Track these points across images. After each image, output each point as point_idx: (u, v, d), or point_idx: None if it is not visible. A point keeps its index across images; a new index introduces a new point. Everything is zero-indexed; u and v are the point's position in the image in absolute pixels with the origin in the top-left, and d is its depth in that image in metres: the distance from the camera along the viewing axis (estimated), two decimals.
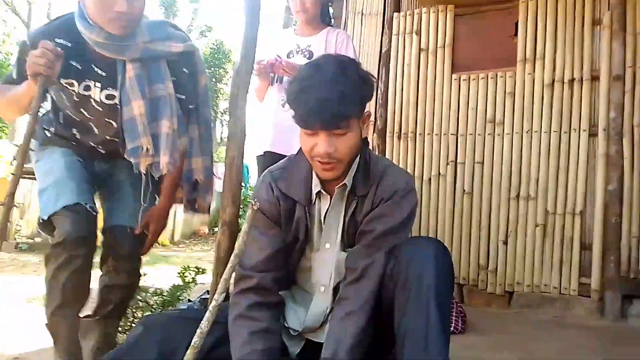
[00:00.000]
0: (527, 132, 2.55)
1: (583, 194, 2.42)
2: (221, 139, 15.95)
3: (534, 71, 2.56)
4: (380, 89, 2.93)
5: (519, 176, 2.55)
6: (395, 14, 2.96)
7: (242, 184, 1.90)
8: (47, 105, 1.55)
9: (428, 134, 2.79)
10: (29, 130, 1.30)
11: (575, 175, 2.44)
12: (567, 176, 2.46)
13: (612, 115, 2.35)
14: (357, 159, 1.16)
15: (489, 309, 2.54)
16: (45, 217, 1.39)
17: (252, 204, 1.01)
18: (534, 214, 2.50)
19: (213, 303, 0.94)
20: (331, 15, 2.40)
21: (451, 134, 2.73)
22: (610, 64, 2.38)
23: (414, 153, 2.82)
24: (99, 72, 1.43)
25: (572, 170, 2.45)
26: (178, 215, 10.47)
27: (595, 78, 2.44)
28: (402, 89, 2.87)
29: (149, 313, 1.86)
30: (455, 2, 2.78)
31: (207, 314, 0.93)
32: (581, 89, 2.46)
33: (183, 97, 1.55)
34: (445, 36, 2.79)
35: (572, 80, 2.48)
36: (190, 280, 2.08)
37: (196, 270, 2.12)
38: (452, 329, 1.88)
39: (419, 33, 2.87)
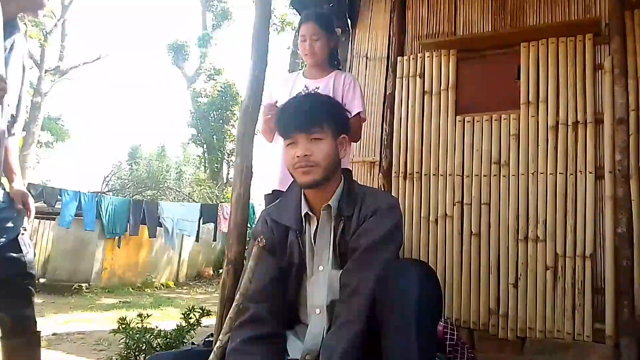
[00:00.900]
0: (532, 173, 2.55)
1: (592, 236, 2.39)
2: (227, 179, 16.06)
3: (538, 114, 2.59)
4: (385, 130, 2.97)
5: (527, 218, 2.53)
6: (399, 58, 3.04)
7: (248, 224, 1.90)
8: None
9: (434, 174, 2.80)
10: None
11: (583, 218, 2.42)
12: (575, 218, 2.44)
13: (618, 157, 2.36)
14: (342, 184, 1.31)
15: (501, 355, 2.46)
16: None
17: (257, 241, 1.02)
18: (543, 256, 2.46)
19: (217, 344, 0.93)
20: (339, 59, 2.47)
21: (457, 175, 2.73)
22: (614, 108, 2.41)
23: (419, 193, 2.82)
24: None
25: (579, 213, 2.43)
26: (183, 254, 10.43)
27: (599, 121, 2.46)
28: (407, 130, 2.91)
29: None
30: (458, 47, 2.86)
31: (212, 356, 0.91)
32: (585, 132, 2.48)
33: None
34: (448, 79, 2.85)
35: (575, 123, 2.50)
36: (195, 322, 2.04)
37: (200, 311, 2.09)
38: None
39: (422, 76, 2.93)
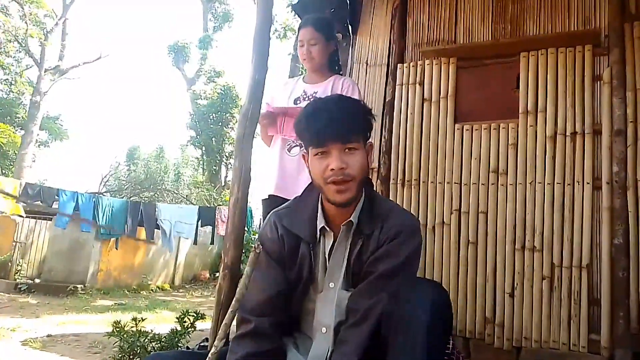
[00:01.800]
0: (530, 183, 2.56)
1: (589, 247, 2.39)
2: (225, 182, 16.05)
3: (536, 123, 2.59)
4: (384, 137, 2.97)
5: (524, 227, 2.53)
6: (399, 65, 3.04)
7: (246, 228, 1.89)
8: None
9: (432, 182, 2.80)
10: None
11: (580, 228, 2.42)
12: (572, 229, 2.44)
13: (615, 169, 2.36)
14: (362, 197, 1.19)
15: None
16: None
17: (254, 247, 1.01)
18: (539, 266, 2.46)
19: (212, 350, 0.92)
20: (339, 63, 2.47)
21: (455, 183, 2.73)
22: (612, 119, 2.41)
23: (417, 200, 2.82)
24: None
25: (577, 223, 2.43)
26: (180, 257, 10.40)
27: (597, 132, 2.46)
28: (406, 137, 2.91)
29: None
30: (458, 55, 2.87)
31: None
32: (583, 142, 2.49)
33: None
34: (448, 87, 2.86)
35: (574, 134, 2.51)
36: (189, 325, 2.03)
37: (195, 315, 2.08)
38: None
39: (422, 83, 2.94)
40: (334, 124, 1.11)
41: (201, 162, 17.11)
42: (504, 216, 2.58)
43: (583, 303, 2.35)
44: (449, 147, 2.79)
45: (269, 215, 1.26)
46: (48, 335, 4.11)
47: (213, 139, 16.16)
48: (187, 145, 17.80)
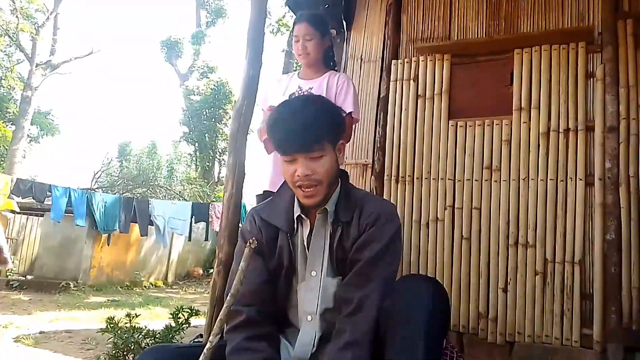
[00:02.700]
0: (523, 179, 2.57)
1: (581, 242, 2.41)
2: (218, 178, 16.00)
3: (530, 120, 2.61)
4: (378, 133, 2.97)
5: (517, 223, 2.55)
6: (394, 61, 3.04)
7: (240, 224, 1.89)
8: None
9: (425, 178, 2.80)
10: None
11: (572, 224, 2.44)
12: (564, 224, 2.46)
13: (608, 165, 2.38)
14: (338, 188, 1.24)
15: (490, 359, 2.47)
16: None
17: (249, 242, 1.01)
18: (533, 261, 2.48)
19: (208, 345, 0.92)
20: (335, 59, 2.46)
21: (448, 179, 2.74)
22: (605, 116, 2.43)
23: (411, 196, 2.82)
24: None
25: (569, 219, 2.45)
26: (173, 254, 10.36)
27: (590, 128, 2.48)
28: (400, 133, 2.92)
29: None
30: (452, 51, 2.87)
31: (202, 357, 0.90)
32: (576, 139, 2.50)
33: None
34: (442, 83, 2.86)
35: (567, 130, 2.53)
36: (184, 321, 2.03)
37: (189, 311, 2.08)
38: None
39: (416, 80, 2.94)
40: (296, 137, 1.14)
41: (194, 158, 17.03)
42: (498, 212, 2.59)
43: (575, 298, 2.37)
44: (443, 143, 2.79)
45: (249, 211, 1.33)
46: (40, 332, 4.09)
47: (206, 135, 16.09)
48: (180, 141, 17.72)
